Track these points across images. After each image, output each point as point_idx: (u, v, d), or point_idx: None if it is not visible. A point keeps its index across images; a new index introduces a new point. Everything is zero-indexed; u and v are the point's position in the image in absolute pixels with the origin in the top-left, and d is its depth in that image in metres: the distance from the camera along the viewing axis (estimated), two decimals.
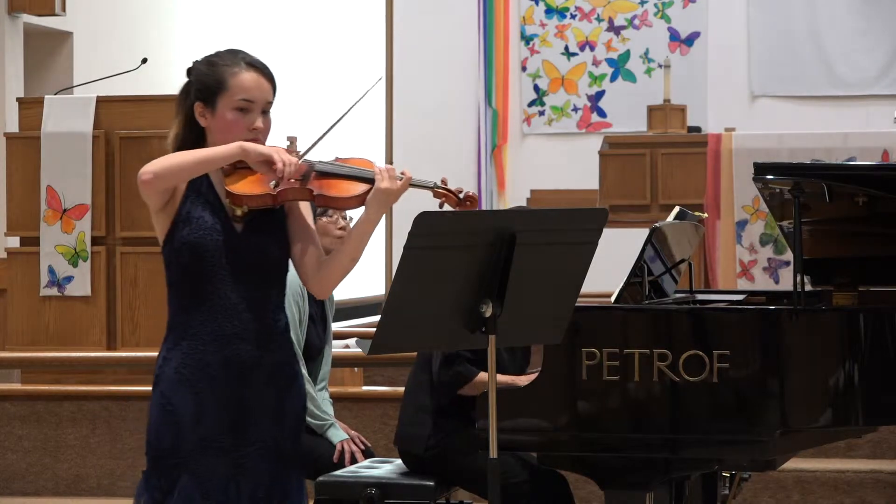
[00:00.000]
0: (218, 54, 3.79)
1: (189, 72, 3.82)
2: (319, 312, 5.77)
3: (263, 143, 3.74)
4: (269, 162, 3.63)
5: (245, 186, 3.69)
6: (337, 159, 3.79)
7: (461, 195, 3.80)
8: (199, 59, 3.82)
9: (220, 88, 3.72)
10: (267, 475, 3.73)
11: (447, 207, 3.81)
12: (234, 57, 3.77)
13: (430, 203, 4.21)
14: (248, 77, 3.73)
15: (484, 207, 14.54)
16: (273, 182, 3.68)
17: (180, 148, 3.77)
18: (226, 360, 3.69)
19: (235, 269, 3.69)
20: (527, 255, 3.73)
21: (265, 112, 3.76)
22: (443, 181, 3.81)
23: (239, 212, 3.71)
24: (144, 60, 8.33)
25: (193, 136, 3.78)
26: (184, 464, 3.67)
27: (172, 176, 3.64)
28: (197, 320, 3.69)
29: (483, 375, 5.15)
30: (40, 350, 7.64)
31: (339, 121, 3.99)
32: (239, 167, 3.72)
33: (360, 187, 3.71)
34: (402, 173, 3.71)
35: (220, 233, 3.69)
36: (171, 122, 3.83)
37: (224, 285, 3.69)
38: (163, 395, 3.70)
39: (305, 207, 3.82)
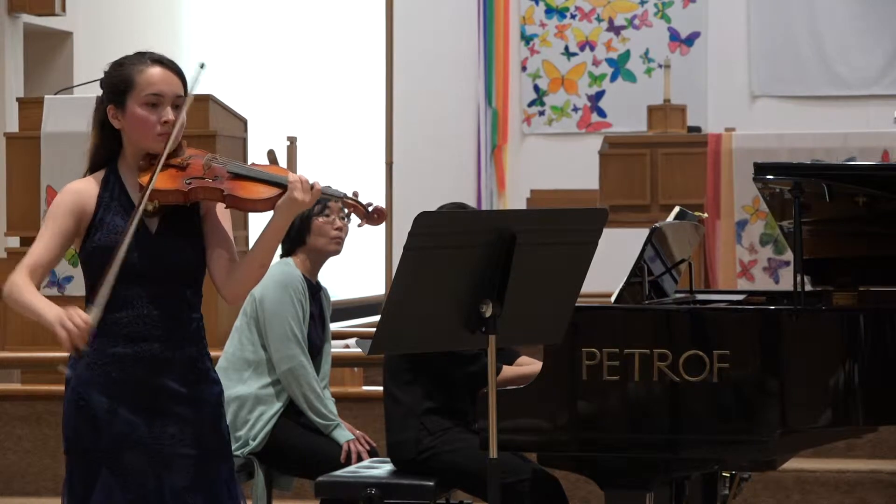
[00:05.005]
0: (125, 56, 3.84)
1: (101, 83, 3.85)
2: (318, 311, 5.79)
3: (174, 137, 3.75)
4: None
5: (157, 181, 3.71)
6: (253, 164, 3.83)
7: (370, 209, 3.77)
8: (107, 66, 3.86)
9: (129, 87, 3.76)
10: (190, 466, 3.74)
11: (354, 217, 3.80)
12: (141, 56, 3.81)
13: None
14: (154, 72, 3.77)
15: (484, 207, 14.53)
16: (186, 179, 3.70)
17: (97, 158, 3.83)
18: (137, 357, 3.72)
19: (147, 270, 3.73)
20: (527, 255, 3.73)
21: (178, 107, 3.77)
22: (354, 194, 3.80)
23: (150, 207, 3.72)
24: None
25: (110, 143, 3.82)
26: (103, 458, 3.71)
27: (11, 305, 3.70)
28: (110, 319, 3.70)
29: (507, 369, 5.16)
30: (40, 350, 7.64)
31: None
32: (154, 163, 3.74)
33: (271, 191, 3.73)
34: (314, 184, 3.72)
35: (130, 235, 3.69)
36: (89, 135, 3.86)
37: (136, 286, 3.72)
38: (75, 392, 3.74)
39: (223, 213, 3.83)
